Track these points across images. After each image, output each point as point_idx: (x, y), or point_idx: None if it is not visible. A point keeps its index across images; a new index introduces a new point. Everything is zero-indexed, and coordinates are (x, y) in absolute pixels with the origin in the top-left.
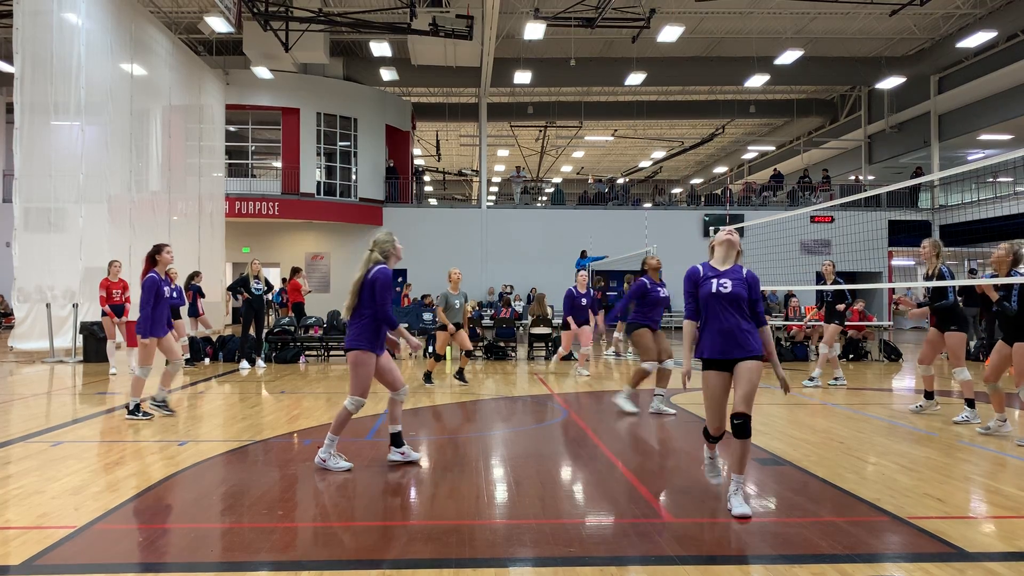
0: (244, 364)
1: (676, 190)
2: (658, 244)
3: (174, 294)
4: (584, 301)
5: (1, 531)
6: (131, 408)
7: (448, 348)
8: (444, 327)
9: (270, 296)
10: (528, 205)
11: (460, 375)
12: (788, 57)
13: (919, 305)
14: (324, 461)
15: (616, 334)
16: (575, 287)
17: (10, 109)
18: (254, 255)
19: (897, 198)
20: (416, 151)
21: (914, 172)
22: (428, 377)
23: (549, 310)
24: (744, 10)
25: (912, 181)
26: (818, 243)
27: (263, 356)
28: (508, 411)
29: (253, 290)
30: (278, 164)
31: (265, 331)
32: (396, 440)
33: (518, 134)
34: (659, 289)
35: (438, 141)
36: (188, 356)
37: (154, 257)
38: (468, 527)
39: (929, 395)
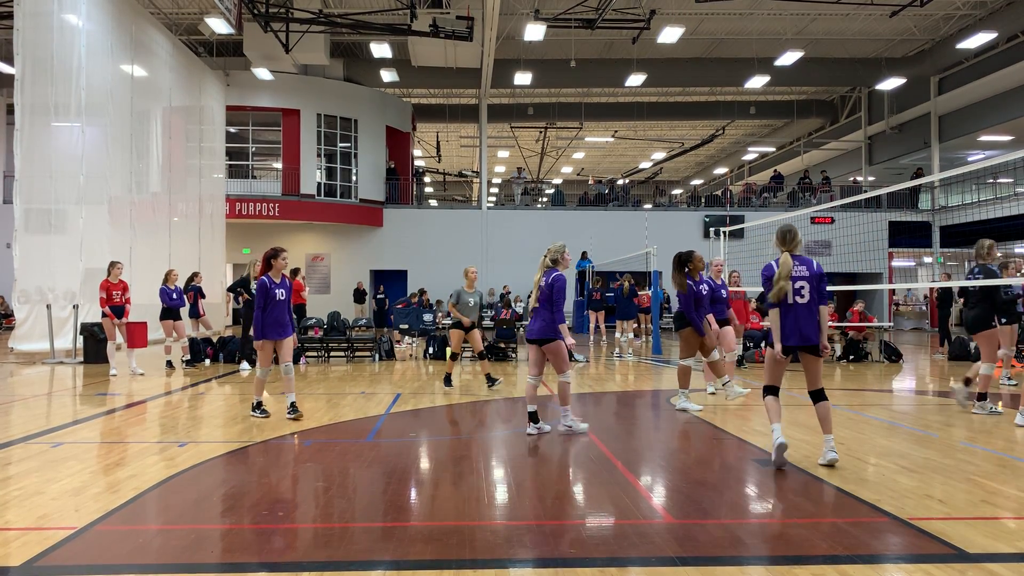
0: (244, 365)
1: (676, 191)
2: (658, 245)
3: (174, 295)
4: (723, 293)
5: (1, 532)
6: (254, 405)
7: (449, 348)
8: (458, 325)
9: None
10: (528, 206)
11: (489, 380)
12: (788, 58)
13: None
14: (569, 428)
15: (617, 334)
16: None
17: (11, 110)
18: (255, 256)
19: (897, 199)
20: (416, 152)
21: (914, 173)
22: (448, 380)
23: None
24: (744, 11)
25: (912, 182)
26: (819, 244)
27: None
28: (508, 412)
29: (254, 291)
30: (278, 165)
31: None
32: (533, 417)
33: (518, 135)
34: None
35: (438, 142)
36: (188, 357)
37: (269, 261)
38: (468, 528)
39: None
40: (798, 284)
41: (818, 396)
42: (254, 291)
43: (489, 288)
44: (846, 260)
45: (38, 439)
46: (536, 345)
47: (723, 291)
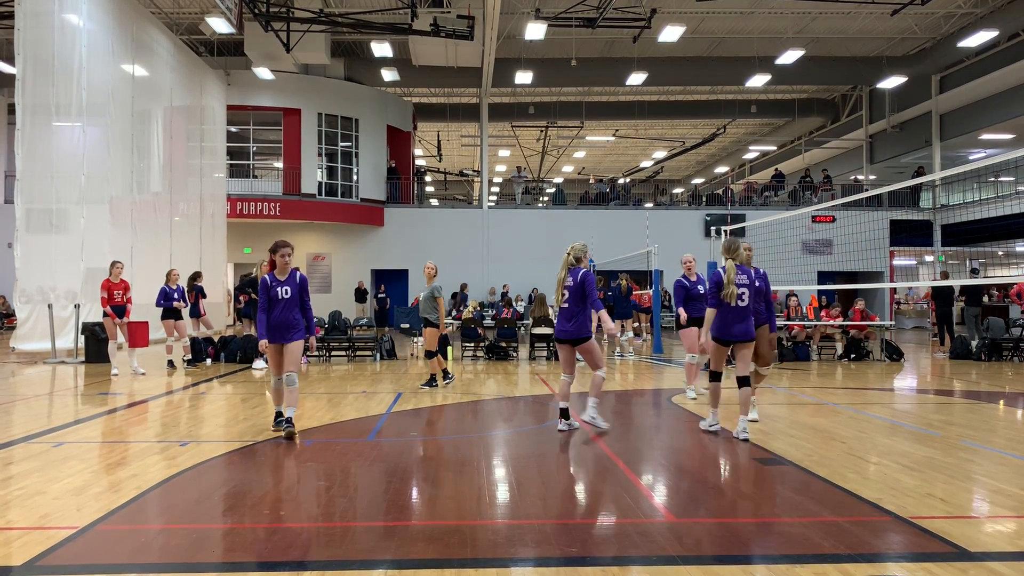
0: (259, 363)
1: (677, 190)
2: (659, 244)
3: (175, 295)
4: (701, 289)
5: (3, 532)
6: (275, 417)
7: (450, 348)
8: (427, 323)
9: None
10: (529, 205)
11: (432, 381)
12: (789, 57)
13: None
14: (593, 419)
15: (616, 333)
16: (685, 277)
17: (12, 110)
18: (256, 256)
19: (899, 198)
20: (417, 151)
21: (915, 172)
22: (445, 374)
23: (550, 310)
24: (745, 10)
25: (913, 181)
26: (819, 243)
27: (264, 357)
28: (510, 411)
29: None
30: (279, 165)
31: None
32: (564, 413)
33: (519, 134)
34: (698, 286)
35: (439, 141)
36: (190, 357)
37: (272, 257)
38: (470, 527)
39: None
40: (740, 290)
41: (744, 382)
42: (196, 285)
43: (490, 287)
44: (847, 259)
45: (39, 439)
46: (569, 345)
47: (699, 287)
